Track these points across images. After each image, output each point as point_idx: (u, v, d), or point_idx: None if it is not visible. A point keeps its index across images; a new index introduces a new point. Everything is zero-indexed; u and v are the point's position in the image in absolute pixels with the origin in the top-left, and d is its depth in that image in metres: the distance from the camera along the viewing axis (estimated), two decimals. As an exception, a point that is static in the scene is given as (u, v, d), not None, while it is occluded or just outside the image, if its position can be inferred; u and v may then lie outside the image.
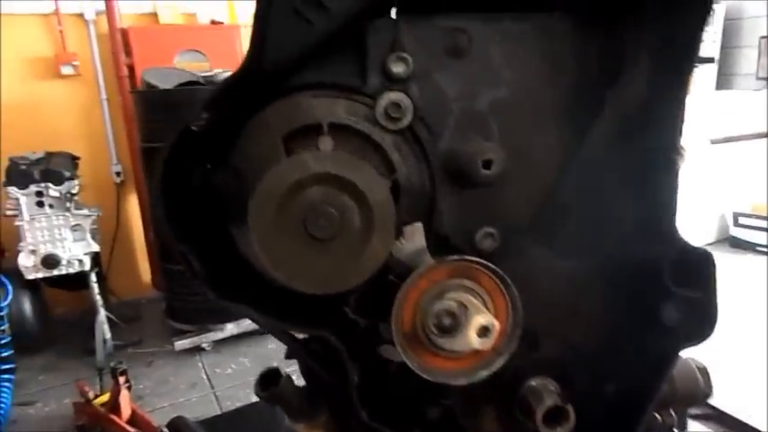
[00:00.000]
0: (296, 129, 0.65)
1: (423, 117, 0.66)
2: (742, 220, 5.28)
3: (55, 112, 4.28)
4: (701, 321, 0.61)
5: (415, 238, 0.64)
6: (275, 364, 0.67)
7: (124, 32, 4.21)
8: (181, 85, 3.65)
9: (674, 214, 0.61)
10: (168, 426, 3.04)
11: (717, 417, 2.68)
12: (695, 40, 0.61)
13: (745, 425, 2.58)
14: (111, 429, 3.08)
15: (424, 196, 0.67)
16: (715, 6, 0.61)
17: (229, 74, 0.57)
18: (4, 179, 3.55)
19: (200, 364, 3.87)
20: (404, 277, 0.61)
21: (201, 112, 0.57)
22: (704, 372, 0.71)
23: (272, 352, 3.98)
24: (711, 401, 2.70)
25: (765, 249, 5.08)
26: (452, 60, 0.67)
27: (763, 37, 5.69)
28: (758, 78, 5.71)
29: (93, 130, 4.41)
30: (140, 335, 4.21)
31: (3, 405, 3.49)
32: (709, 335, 0.61)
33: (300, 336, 0.66)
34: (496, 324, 0.58)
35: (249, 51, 0.56)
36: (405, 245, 0.63)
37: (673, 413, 0.72)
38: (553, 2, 0.66)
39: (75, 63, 4.23)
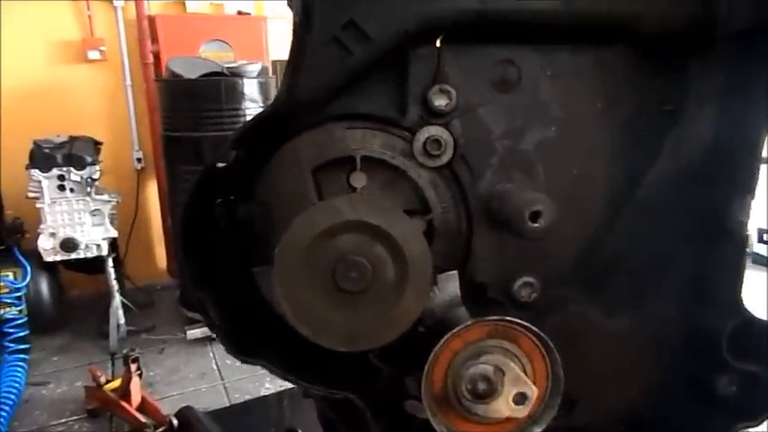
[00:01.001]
0: (327, 161, 0.60)
1: (464, 155, 0.61)
2: (767, 237, 5.12)
3: (80, 97, 4.30)
4: (760, 398, 0.56)
5: (449, 286, 0.59)
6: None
7: (151, 20, 4.20)
8: (205, 75, 3.63)
9: (739, 281, 0.56)
10: (176, 415, 3.05)
11: None
12: None
13: None
14: (121, 415, 3.10)
15: (460, 240, 0.62)
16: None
17: (260, 108, 0.52)
18: (27, 162, 3.57)
19: (210, 355, 3.88)
20: (435, 329, 0.56)
21: (229, 150, 0.52)
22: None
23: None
24: None
25: (789, 267, 4.91)
26: (499, 94, 0.61)
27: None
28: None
29: (117, 115, 4.42)
30: (154, 321, 4.23)
31: (17, 384, 3.54)
32: (765, 414, 0.55)
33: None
34: (535, 391, 0.53)
35: (284, 85, 0.51)
36: (437, 294, 0.59)
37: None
38: (613, 35, 0.61)
39: (101, 48, 4.23)
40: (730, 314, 0.56)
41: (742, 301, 0.56)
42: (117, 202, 3.88)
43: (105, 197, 3.79)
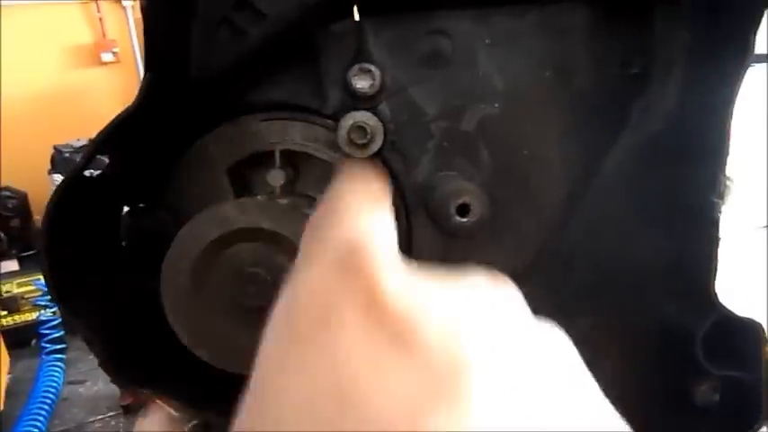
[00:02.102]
0: (243, 159, 0.54)
1: (395, 142, 0.54)
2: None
3: (97, 100, 4.36)
4: (742, 407, 0.47)
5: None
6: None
7: (160, 17, 4.21)
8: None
9: (712, 271, 0.47)
10: (207, 409, 3.11)
11: None
12: (748, 37, 0.46)
13: None
14: (154, 410, 3.18)
15: (399, 236, 0.55)
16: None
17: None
18: (49, 167, 3.66)
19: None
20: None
21: (91, 156, 0.47)
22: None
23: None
24: None
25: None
26: (432, 71, 0.54)
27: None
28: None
29: (134, 116, 4.47)
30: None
31: (55, 383, 3.67)
32: (754, 425, 0.47)
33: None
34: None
35: (147, 78, 0.45)
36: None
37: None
38: None
39: (115, 50, 4.28)
40: (704, 311, 0.48)
41: (716, 295, 0.47)
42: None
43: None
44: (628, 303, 0.52)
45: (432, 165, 0.55)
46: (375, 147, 0.54)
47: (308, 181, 0.59)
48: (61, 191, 0.44)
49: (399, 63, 0.53)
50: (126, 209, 0.53)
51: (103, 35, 4.21)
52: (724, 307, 0.47)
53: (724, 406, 0.48)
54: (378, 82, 0.53)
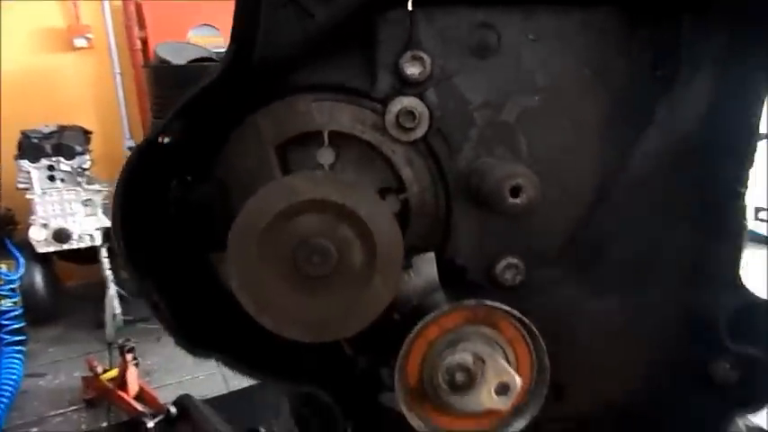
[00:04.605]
0: (292, 137, 0.55)
1: (440, 128, 0.57)
2: (762, 215, 5.09)
3: (68, 85, 4.22)
4: (760, 384, 0.51)
5: (425, 269, 0.54)
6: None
7: (138, 5, 4.10)
8: (194, 60, 3.55)
9: (737, 258, 0.51)
10: (175, 403, 3.04)
11: None
12: None
13: None
14: (119, 404, 3.10)
15: (438, 219, 0.58)
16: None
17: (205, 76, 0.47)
18: (16, 152, 3.52)
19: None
20: (410, 316, 0.52)
21: (171, 121, 0.47)
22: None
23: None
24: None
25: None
26: (477, 61, 0.56)
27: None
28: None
29: (106, 104, 4.35)
30: (147, 312, 4.21)
31: (15, 377, 3.53)
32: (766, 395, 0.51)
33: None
34: (518, 381, 0.49)
35: (231, 49, 0.46)
36: (413, 277, 0.54)
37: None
38: None
39: (88, 36, 4.14)
40: (729, 294, 0.52)
41: (741, 279, 0.51)
42: (109, 191, 3.83)
43: (97, 187, 3.75)
44: (655, 287, 0.56)
45: (473, 152, 0.57)
46: (420, 132, 0.56)
47: (346, 163, 0.60)
48: (137, 154, 0.45)
49: (448, 52, 0.56)
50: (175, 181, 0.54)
51: (77, 20, 4.08)
52: (747, 290, 0.51)
53: (743, 384, 0.52)
54: (428, 69, 0.55)
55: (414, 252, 0.55)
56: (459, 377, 0.48)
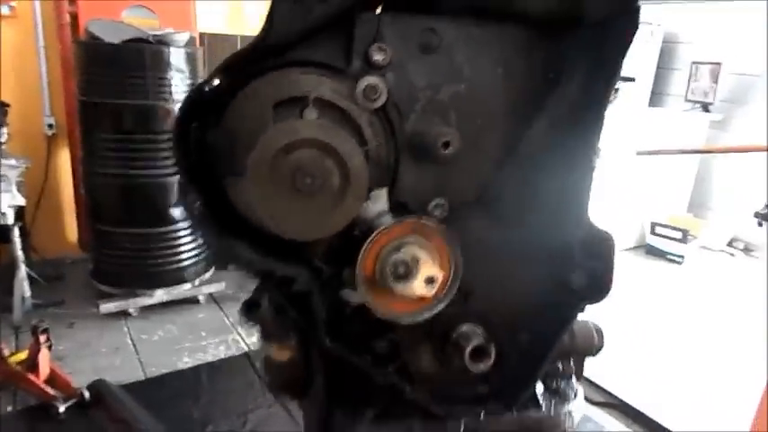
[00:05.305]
0: (284, 99, 0.74)
1: (395, 101, 0.78)
2: (658, 230, 5.72)
3: (-14, 54, 4.02)
4: (599, 285, 0.78)
5: (379, 201, 0.75)
6: (253, 291, 0.78)
7: (69, -22, 4.01)
8: (128, 41, 3.54)
9: (586, 202, 0.77)
10: (89, 388, 2.99)
11: (621, 407, 2.97)
12: (618, 63, 0.77)
13: (649, 418, 2.87)
14: (27, 388, 3.00)
15: (388, 167, 0.79)
16: (637, 37, 0.76)
17: (239, 46, 0.66)
18: (-75, 120, 3.32)
19: (125, 329, 3.81)
20: (366, 233, 0.73)
21: (215, 75, 0.65)
22: (599, 331, 0.89)
23: (202, 321, 3.99)
24: (617, 394, 3.00)
25: (676, 258, 5.58)
26: (424, 55, 0.78)
27: (694, 62, 6.16)
28: (686, 100, 6.21)
29: (27, 78, 4.18)
30: (63, 295, 4.07)
31: None
32: (605, 296, 0.78)
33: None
34: (440, 276, 0.71)
35: (261, 29, 0.66)
36: (370, 207, 0.75)
37: (572, 363, 0.89)
38: (510, 14, 0.80)
39: (11, 4, 3.98)
40: (580, 227, 0.78)
41: (588, 216, 0.77)
42: (25, 168, 3.69)
43: (12, 162, 3.59)
44: (535, 224, 0.80)
45: (417, 119, 0.79)
46: (380, 102, 0.78)
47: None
48: (189, 99, 0.62)
49: (403, 47, 0.77)
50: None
51: (-1, -14, 3.92)
52: (592, 223, 0.77)
53: (587, 286, 0.78)
54: (388, 57, 0.76)
55: (371, 189, 0.76)
56: (401, 269, 0.69)
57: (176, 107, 3.68)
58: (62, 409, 2.86)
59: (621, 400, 3.00)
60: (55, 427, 2.84)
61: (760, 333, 2.70)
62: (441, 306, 0.73)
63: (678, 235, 5.56)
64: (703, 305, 4.58)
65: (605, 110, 0.77)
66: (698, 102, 6.09)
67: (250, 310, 0.76)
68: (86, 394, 2.93)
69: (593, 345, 0.87)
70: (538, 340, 0.80)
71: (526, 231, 0.80)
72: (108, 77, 3.54)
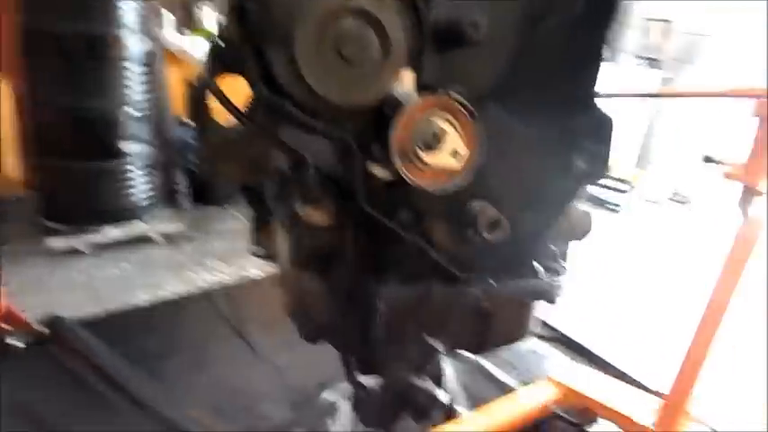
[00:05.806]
0: None
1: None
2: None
3: None
4: (599, 167, 0.88)
5: (407, 82, 0.80)
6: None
7: None
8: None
9: (593, 88, 0.85)
10: (45, 324, 2.92)
11: (563, 341, 3.20)
12: None
13: (589, 351, 3.10)
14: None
15: (418, 53, 0.84)
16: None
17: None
18: None
19: (78, 267, 3.70)
20: (396, 111, 0.78)
21: None
22: (588, 215, 1.00)
23: (158, 260, 3.93)
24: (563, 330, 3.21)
25: (612, 207, 5.93)
26: None
27: (646, 18, 6.34)
28: (637, 56, 6.43)
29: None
30: (6, 234, 3.88)
31: None
32: (602, 177, 0.88)
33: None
34: (465, 151, 0.78)
35: None
36: (399, 86, 0.80)
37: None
38: None
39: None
40: (587, 112, 0.86)
41: (594, 101, 0.86)
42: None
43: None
44: (546, 113, 0.88)
45: (442, 6, 0.83)
46: None
47: None
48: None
49: None
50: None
51: None
52: (598, 108, 0.85)
53: (588, 167, 0.87)
54: None
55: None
56: (430, 140, 0.75)
57: (124, 34, 3.51)
58: (19, 345, 2.80)
59: (566, 336, 3.22)
60: (12, 363, 2.77)
61: (760, 334, 2.92)
62: (461, 180, 0.80)
63: (617, 185, 5.89)
64: (634, 249, 4.90)
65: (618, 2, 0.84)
66: (648, 59, 6.35)
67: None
68: (44, 330, 2.87)
69: (585, 226, 0.98)
70: (540, 218, 0.90)
71: (538, 122, 0.87)
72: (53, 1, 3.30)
